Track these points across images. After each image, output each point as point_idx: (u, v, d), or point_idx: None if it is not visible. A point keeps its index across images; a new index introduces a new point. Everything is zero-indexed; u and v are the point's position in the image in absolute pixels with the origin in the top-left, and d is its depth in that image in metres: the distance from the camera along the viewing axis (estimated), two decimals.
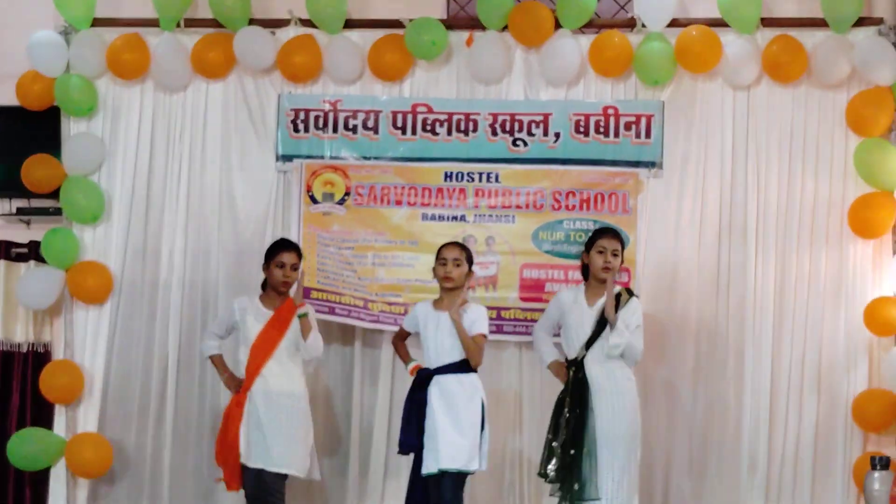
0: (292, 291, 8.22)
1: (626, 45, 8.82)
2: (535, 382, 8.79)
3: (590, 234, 8.31)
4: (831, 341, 8.77)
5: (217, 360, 8.35)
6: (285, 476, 8.07)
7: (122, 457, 9.03)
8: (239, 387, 8.17)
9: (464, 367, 7.85)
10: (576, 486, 7.79)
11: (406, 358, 8.19)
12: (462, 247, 8.03)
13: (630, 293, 8.03)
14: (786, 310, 8.79)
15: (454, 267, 7.90)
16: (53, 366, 9.02)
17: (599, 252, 7.98)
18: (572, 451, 7.79)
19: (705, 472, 8.82)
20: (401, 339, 8.25)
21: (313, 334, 8.12)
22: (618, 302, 7.90)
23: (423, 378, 7.89)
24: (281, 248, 8.22)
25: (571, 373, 7.91)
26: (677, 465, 8.84)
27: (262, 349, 8.12)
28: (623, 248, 8.04)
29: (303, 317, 8.08)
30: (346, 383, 9.04)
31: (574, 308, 8.00)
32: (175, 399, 9.02)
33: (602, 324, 7.88)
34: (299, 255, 8.25)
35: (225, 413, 8.22)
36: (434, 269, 7.99)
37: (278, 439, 8.02)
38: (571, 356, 7.96)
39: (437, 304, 7.99)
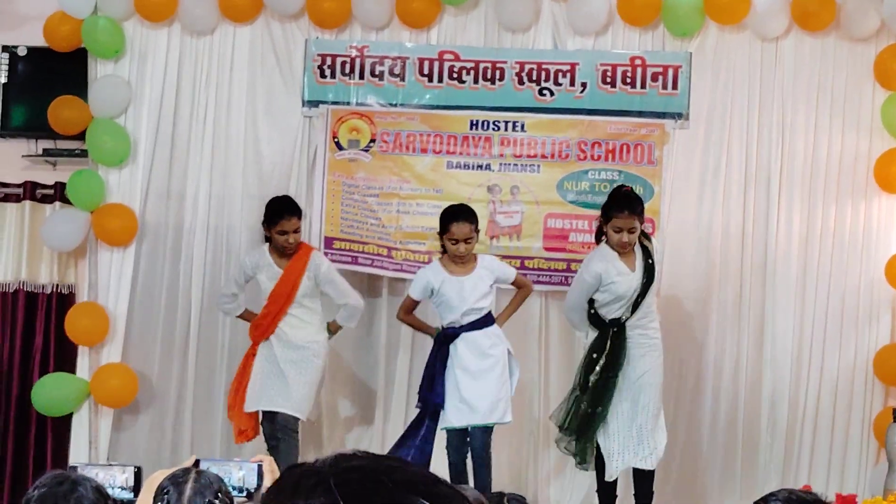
0: (315, 225, 8.49)
1: None
2: (560, 331, 8.80)
3: (612, 186, 8.36)
4: (854, 295, 8.77)
5: (246, 317, 8.41)
6: (297, 418, 8.16)
7: (145, 394, 9.07)
8: None
9: (487, 320, 7.90)
10: (583, 447, 7.86)
11: (430, 330, 8.17)
12: (470, 219, 7.91)
13: (647, 237, 7.98)
14: (809, 263, 8.79)
15: (466, 245, 7.84)
16: (79, 308, 9.05)
17: (616, 231, 7.79)
18: (596, 410, 7.81)
19: (726, 423, 8.84)
20: (409, 311, 8.21)
21: (344, 311, 8.28)
22: (650, 255, 7.88)
23: (448, 336, 7.92)
24: (280, 216, 8.13)
25: (612, 334, 7.88)
26: (698, 417, 8.86)
27: (275, 308, 8.19)
28: (640, 214, 7.86)
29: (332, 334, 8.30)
30: (373, 334, 9.07)
31: (618, 276, 7.81)
32: (198, 341, 9.04)
33: (646, 286, 7.84)
34: (299, 216, 8.22)
35: (240, 366, 8.33)
36: (442, 241, 7.93)
37: (291, 383, 8.10)
38: (614, 316, 7.89)
39: (448, 268, 7.94)
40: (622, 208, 7.78)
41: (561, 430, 8.01)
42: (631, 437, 7.80)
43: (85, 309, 9.04)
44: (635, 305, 7.85)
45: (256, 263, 8.23)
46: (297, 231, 8.16)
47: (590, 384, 7.85)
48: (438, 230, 7.97)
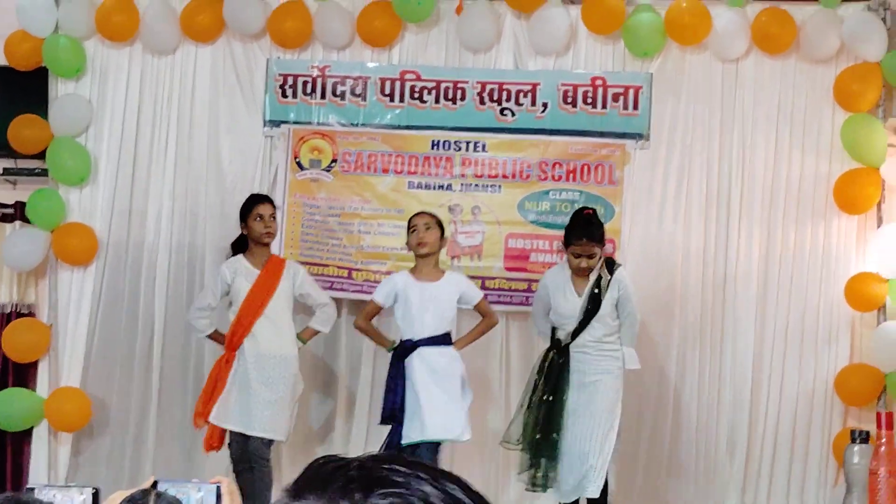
0: (275, 248, 8.32)
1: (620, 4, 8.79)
2: (521, 352, 8.80)
3: (573, 206, 8.41)
4: (814, 316, 8.78)
5: (215, 337, 8.36)
6: (271, 441, 8.11)
7: (105, 415, 9.04)
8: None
9: (446, 339, 7.88)
10: (539, 473, 7.82)
11: (385, 342, 8.13)
12: (430, 213, 8.03)
13: (611, 264, 7.97)
14: (769, 283, 8.80)
15: (426, 231, 7.88)
16: (17, 324, 9.02)
17: (575, 256, 7.82)
18: (538, 436, 7.80)
19: (685, 445, 8.84)
20: (369, 318, 8.17)
21: (322, 314, 8.29)
22: (599, 286, 7.86)
23: (406, 349, 7.91)
24: (256, 201, 8.23)
25: (552, 355, 7.89)
26: (659, 436, 8.86)
27: (251, 309, 8.14)
28: (600, 240, 7.88)
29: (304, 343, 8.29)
30: (333, 354, 9.04)
31: (564, 296, 7.89)
32: (161, 361, 9.00)
33: (590, 313, 7.82)
34: (273, 204, 8.27)
35: (212, 372, 8.25)
36: (407, 241, 7.98)
37: (266, 404, 8.04)
38: (559, 337, 7.93)
39: (415, 274, 7.97)
40: (580, 235, 7.79)
41: (506, 444, 8.01)
42: (574, 463, 7.77)
43: (22, 325, 9.02)
44: (576, 332, 7.84)
45: (234, 269, 8.22)
46: (273, 218, 8.20)
47: (531, 405, 7.85)
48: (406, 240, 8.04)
